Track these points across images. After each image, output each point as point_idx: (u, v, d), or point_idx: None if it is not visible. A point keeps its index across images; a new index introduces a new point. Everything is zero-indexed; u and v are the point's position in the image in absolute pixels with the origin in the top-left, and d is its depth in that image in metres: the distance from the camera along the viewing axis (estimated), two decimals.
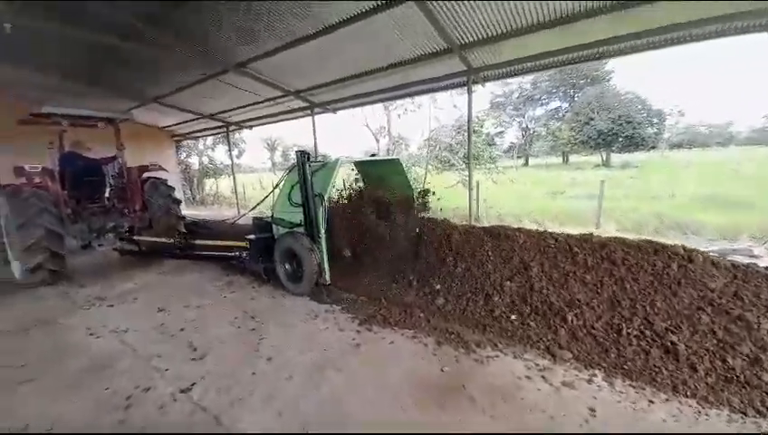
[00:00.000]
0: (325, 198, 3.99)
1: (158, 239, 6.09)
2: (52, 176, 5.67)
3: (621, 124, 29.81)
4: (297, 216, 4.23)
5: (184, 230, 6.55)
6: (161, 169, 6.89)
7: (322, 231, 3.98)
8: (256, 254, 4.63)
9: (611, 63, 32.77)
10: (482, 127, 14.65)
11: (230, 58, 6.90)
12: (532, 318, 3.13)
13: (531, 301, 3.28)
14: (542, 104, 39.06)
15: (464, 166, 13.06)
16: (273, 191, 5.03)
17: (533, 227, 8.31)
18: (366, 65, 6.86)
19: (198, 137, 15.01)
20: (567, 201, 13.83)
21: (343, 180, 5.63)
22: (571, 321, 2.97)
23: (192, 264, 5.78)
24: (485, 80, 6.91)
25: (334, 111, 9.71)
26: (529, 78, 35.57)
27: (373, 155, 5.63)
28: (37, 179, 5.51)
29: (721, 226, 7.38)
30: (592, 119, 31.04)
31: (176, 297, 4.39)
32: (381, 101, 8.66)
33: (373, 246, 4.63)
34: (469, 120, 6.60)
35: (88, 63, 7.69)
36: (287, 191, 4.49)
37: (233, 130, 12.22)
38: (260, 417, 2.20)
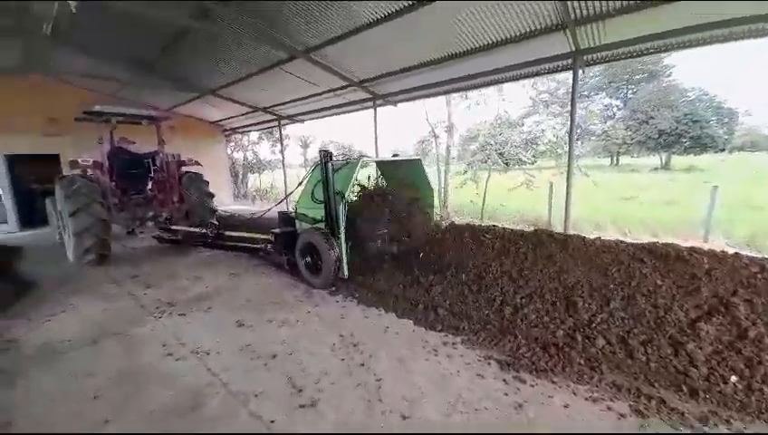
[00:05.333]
0: (346, 196, 4.13)
1: (192, 229, 6.40)
2: (102, 168, 6.18)
3: (687, 123, 27.05)
4: (319, 212, 4.39)
5: (216, 222, 6.90)
6: (197, 163, 7.37)
7: (342, 227, 4.12)
8: (280, 246, 4.84)
9: (673, 57, 29.84)
10: (522, 125, 13.46)
11: (299, 43, 6.35)
12: (762, 380, 2.21)
13: (748, 354, 2.35)
14: (591, 101, 36.34)
15: (529, 164, 11.95)
16: (296, 188, 5.16)
17: (616, 236, 7.20)
18: (444, 49, 6.05)
19: (248, 131, 14.85)
20: (643, 207, 12.32)
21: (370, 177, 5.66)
22: None
23: (264, 266, 5.44)
24: (589, 64, 5.90)
25: (395, 103, 8.99)
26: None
27: (395, 155, 5.66)
28: (89, 171, 6.04)
29: None
30: (652, 117, 28.44)
31: (254, 308, 3.82)
32: (455, 90, 7.82)
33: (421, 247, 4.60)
34: (573, 108, 5.62)
35: (154, 54, 7.56)
36: (310, 188, 4.63)
37: (284, 125, 11.83)
38: None
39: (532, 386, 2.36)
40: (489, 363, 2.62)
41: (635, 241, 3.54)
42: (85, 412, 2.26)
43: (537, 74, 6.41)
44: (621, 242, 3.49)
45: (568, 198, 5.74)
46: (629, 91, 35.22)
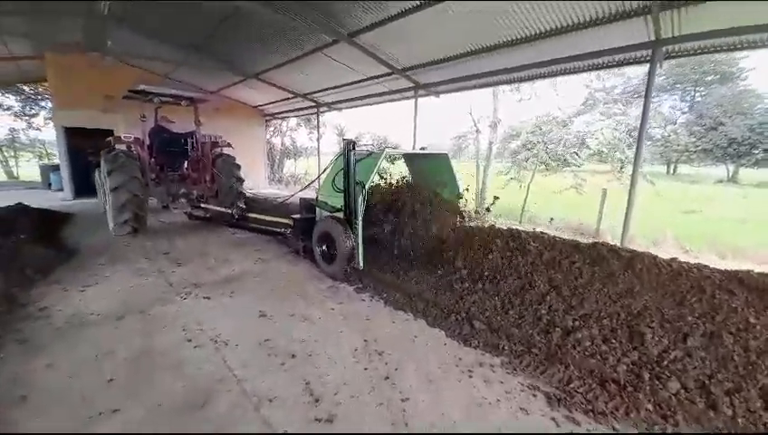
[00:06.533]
0: (366, 187, 4.01)
1: (220, 208, 6.59)
2: (142, 145, 6.46)
3: (762, 133, 24.11)
4: (339, 201, 4.30)
5: (242, 205, 7.03)
6: (229, 145, 7.57)
7: (360, 217, 4.02)
8: (298, 232, 4.90)
9: (752, 58, 26.38)
10: (572, 123, 12.38)
11: (342, 26, 6.08)
12: None
13: None
14: (654, 103, 33.18)
15: (579, 165, 11.02)
16: (320, 176, 5.15)
17: (683, 257, 6.35)
18: (495, 36, 5.52)
19: (287, 117, 14.97)
20: (710, 223, 11.00)
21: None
22: None
23: (292, 253, 5.32)
24: (669, 56, 5.15)
25: (437, 94, 8.53)
26: (641, 69, 30.33)
27: (423, 148, 5.62)
28: (132, 147, 6.29)
29: None
30: (722, 124, 25.55)
31: (277, 297, 3.69)
32: (504, 82, 7.25)
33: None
34: (646, 107, 4.93)
35: (203, 36, 7.68)
36: (332, 176, 4.52)
37: (323, 112, 11.73)
38: None
39: (589, 431, 1.97)
40: (534, 395, 2.25)
41: (704, 263, 2.96)
42: (97, 397, 2.16)
43: (600, 67, 5.71)
44: (705, 267, 2.92)
45: (629, 208, 5.07)
46: (697, 94, 31.78)
